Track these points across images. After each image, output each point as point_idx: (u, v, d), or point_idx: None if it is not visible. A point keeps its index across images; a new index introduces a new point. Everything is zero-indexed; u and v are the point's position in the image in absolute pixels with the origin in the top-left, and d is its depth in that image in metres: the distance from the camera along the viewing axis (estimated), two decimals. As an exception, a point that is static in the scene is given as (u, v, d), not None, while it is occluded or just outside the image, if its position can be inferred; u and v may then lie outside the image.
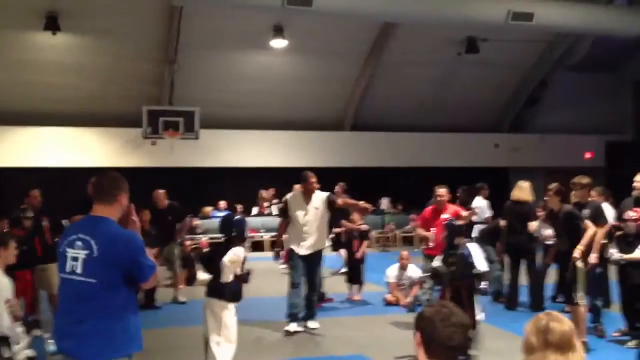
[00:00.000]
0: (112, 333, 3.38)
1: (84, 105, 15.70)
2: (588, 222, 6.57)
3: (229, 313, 5.73)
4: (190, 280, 10.74)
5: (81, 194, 8.32)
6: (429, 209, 8.38)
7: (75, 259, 3.39)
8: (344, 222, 9.90)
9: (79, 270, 3.38)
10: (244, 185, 16.89)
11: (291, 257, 7.75)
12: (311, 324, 7.71)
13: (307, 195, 7.73)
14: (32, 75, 14.98)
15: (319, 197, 7.74)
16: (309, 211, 7.68)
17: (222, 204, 16.64)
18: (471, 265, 6.06)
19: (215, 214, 16.59)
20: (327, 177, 11.77)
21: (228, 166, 16.81)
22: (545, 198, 7.21)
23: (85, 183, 8.48)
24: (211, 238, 15.49)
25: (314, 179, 7.72)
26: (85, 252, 3.38)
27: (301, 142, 17.41)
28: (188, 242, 11.79)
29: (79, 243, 3.41)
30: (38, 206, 7.74)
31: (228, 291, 5.67)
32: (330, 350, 6.86)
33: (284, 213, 7.94)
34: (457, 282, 6.14)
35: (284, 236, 8.15)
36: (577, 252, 6.53)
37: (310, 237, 7.66)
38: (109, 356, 3.37)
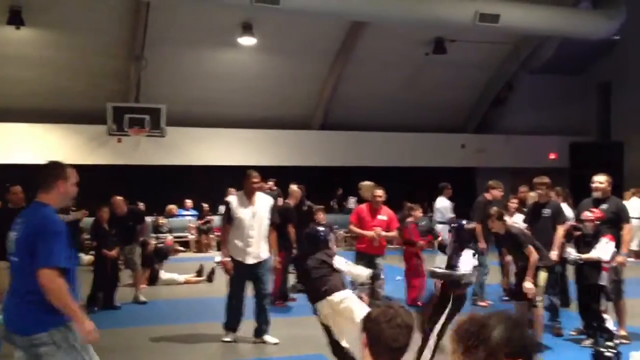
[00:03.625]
0: (37, 308, 3.48)
1: (47, 101, 15.43)
2: (531, 248, 6.61)
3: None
4: (152, 279, 10.62)
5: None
6: (363, 207, 8.40)
7: (11, 240, 3.67)
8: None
9: (11, 250, 3.67)
10: (211, 183, 16.78)
11: (234, 268, 6.84)
12: (269, 338, 7.00)
13: (250, 195, 6.95)
14: (-6, 70, 14.68)
15: (264, 200, 7.06)
16: (254, 214, 6.89)
17: (188, 202, 16.54)
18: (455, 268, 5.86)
19: (181, 213, 16.47)
20: (296, 176, 11.79)
21: (195, 164, 16.67)
22: (489, 223, 7.18)
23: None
24: (176, 237, 15.39)
25: (256, 180, 7.00)
26: (16, 233, 3.65)
27: (269, 140, 17.33)
28: (152, 242, 11.67)
29: (16, 226, 3.68)
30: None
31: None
32: (290, 350, 6.80)
33: (229, 217, 6.94)
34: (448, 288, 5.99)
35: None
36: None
37: (255, 244, 6.85)
38: (30, 330, 3.48)
